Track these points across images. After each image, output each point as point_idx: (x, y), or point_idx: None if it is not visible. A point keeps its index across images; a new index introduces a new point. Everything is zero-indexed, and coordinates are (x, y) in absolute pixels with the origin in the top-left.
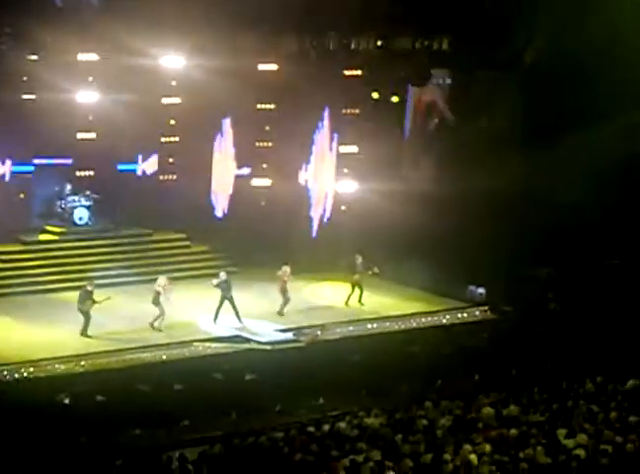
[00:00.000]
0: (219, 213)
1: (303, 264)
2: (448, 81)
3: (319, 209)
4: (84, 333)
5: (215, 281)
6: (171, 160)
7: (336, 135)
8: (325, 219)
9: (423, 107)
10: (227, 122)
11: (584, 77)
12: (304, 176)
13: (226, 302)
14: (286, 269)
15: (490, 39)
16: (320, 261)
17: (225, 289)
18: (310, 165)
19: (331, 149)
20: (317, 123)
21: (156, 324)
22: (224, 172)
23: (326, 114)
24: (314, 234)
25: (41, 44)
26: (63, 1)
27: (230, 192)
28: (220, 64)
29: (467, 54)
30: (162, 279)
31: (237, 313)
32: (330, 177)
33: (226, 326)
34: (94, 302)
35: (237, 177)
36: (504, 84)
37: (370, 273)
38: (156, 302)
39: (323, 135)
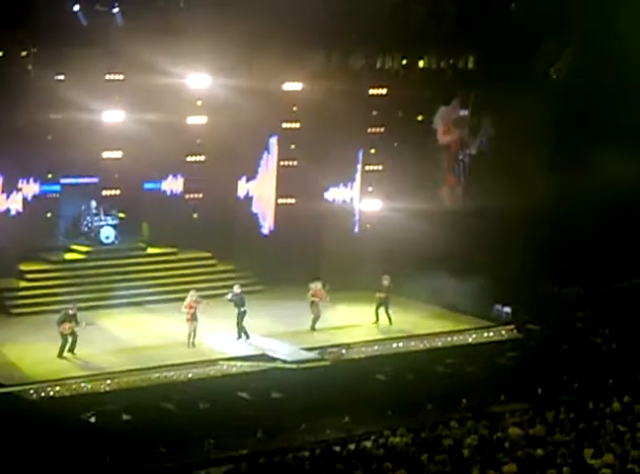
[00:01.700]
0: (266, 231)
1: (330, 282)
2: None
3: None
4: (61, 354)
5: (230, 296)
6: (196, 179)
7: (360, 153)
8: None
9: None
10: (274, 141)
11: (612, 92)
12: (347, 194)
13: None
14: (317, 284)
15: (516, 56)
16: (347, 279)
17: (239, 304)
18: (355, 182)
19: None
20: (341, 142)
21: (188, 341)
22: (268, 190)
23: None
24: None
25: (68, 64)
26: (88, 20)
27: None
28: (245, 83)
29: (493, 72)
30: (189, 295)
31: (242, 329)
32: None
33: (251, 343)
34: (77, 324)
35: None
36: (531, 101)
37: (386, 296)
38: (187, 320)
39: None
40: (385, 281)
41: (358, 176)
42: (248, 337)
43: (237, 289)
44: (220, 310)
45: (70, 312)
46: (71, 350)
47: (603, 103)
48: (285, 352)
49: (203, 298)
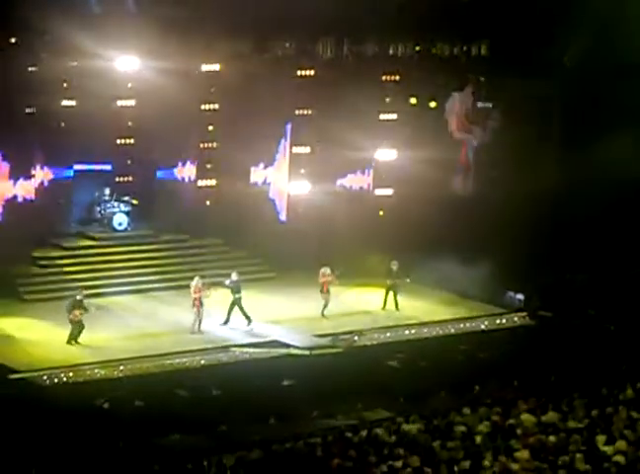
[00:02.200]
0: (283, 217)
1: (341, 269)
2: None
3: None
4: (70, 341)
5: (227, 282)
6: (209, 166)
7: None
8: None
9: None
10: (289, 127)
11: (625, 81)
12: (364, 181)
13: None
14: (326, 269)
15: (529, 43)
16: (358, 266)
17: (235, 290)
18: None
19: None
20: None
21: (195, 328)
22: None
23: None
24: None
25: (81, 51)
26: (101, 7)
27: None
28: (256, 69)
29: (506, 59)
30: (195, 281)
31: (230, 315)
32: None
33: (264, 327)
34: (85, 311)
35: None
36: (542, 88)
37: (408, 280)
38: (193, 305)
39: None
40: (394, 267)
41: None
42: (250, 321)
43: (235, 276)
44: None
45: (78, 298)
46: (75, 338)
47: (615, 90)
48: (298, 338)
49: (212, 285)
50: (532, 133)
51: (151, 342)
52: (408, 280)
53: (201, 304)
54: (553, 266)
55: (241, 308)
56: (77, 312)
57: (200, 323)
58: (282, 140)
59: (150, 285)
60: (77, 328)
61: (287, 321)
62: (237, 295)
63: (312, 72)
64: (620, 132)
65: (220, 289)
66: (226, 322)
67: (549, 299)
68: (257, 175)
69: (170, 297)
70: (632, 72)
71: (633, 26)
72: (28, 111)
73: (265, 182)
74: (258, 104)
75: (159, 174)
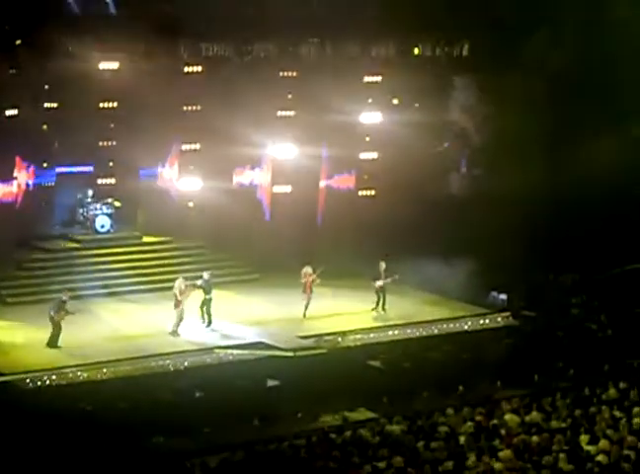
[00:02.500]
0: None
1: (322, 268)
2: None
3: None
4: (52, 344)
5: (199, 282)
6: (192, 167)
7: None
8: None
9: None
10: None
11: (609, 80)
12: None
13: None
14: (307, 269)
15: (511, 43)
16: (343, 266)
17: (207, 290)
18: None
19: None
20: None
21: (174, 329)
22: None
23: None
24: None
25: (62, 53)
26: (80, 8)
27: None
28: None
29: (489, 60)
30: (178, 282)
31: (210, 316)
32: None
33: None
34: (67, 313)
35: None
36: (525, 88)
37: (390, 280)
38: (175, 306)
39: None
40: (381, 268)
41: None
42: (210, 324)
43: (207, 276)
44: (216, 299)
45: (64, 298)
46: (57, 341)
47: (598, 89)
48: (282, 339)
49: (194, 286)
50: (518, 133)
51: (134, 344)
52: (397, 277)
53: (180, 306)
54: (537, 266)
55: (208, 309)
56: (62, 313)
57: (179, 324)
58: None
59: (133, 287)
60: (58, 330)
61: (271, 322)
62: (208, 296)
63: (295, 73)
64: (607, 131)
65: (219, 291)
66: (209, 323)
67: (533, 299)
68: (243, 176)
69: (153, 299)
70: (618, 69)
71: (615, 26)
72: (9, 113)
73: (251, 183)
74: (239, 106)
75: (141, 176)
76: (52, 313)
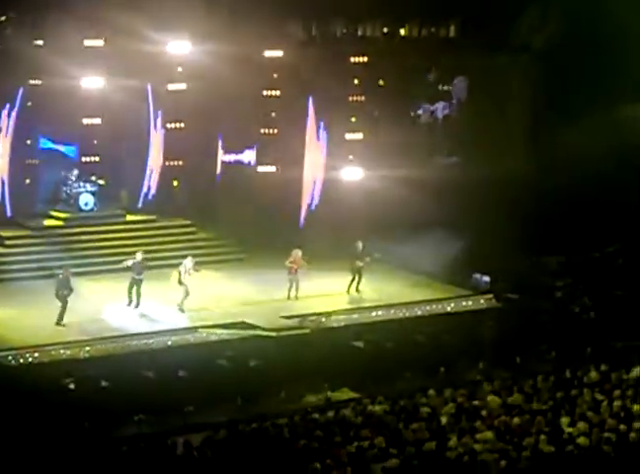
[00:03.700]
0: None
1: (310, 251)
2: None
3: (307, 197)
4: (59, 321)
5: (130, 262)
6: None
7: (322, 123)
8: (312, 207)
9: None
10: None
11: (596, 60)
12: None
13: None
14: (297, 252)
15: (498, 24)
16: (326, 248)
17: (138, 271)
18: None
19: (319, 137)
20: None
21: (180, 304)
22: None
23: (310, 102)
24: (301, 223)
25: (47, 30)
26: None
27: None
28: (224, 49)
29: (475, 40)
30: (187, 261)
31: (139, 297)
32: (319, 165)
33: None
34: (70, 291)
35: (241, 164)
36: (512, 70)
37: (369, 259)
38: (180, 283)
39: (310, 123)
40: (359, 248)
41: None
42: (138, 305)
43: (139, 257)
44: (201, 278)
45: (64, 275)
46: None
47: (585, 71)
48: (265, 319)
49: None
50: (502, 116)
51: (117, 322)
52: (369, 259)
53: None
54: (520, 248)
55: (138, 290)
56: (67, 290)
57: (184, 299)
58: None
59: (116, 266)
60: (64, 307)
61: (255, 303)
62: (138, 276)
63: (280, 54)
64: (591, 114)
65: (204, 271)
66: (130, 303)
67: (516, 282)
68: (234, 156)
69: None
70: (603, 53)
71: (604, 10)
72: None
73: (250, 163)
74: (224, 85)
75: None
76: (65, 290)
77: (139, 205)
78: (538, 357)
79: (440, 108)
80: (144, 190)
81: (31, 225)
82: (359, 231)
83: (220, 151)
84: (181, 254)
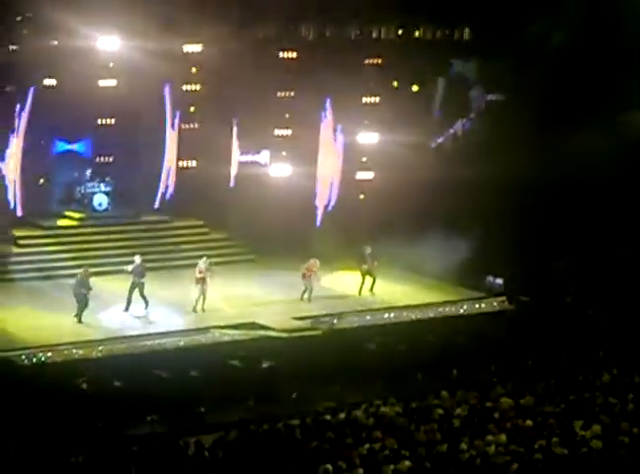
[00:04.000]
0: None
1: (321, 252)
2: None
3: (324, 199)
4: (79, 319)
5: (130, 267)
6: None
7: (339, 126)
8: (329, 208)
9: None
10: None
11: (606, 64)
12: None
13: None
14: (316, 261)
15: (511, 28)
16: (338, 249)
17: (139, 274)
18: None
19: (335, 139)
20: (336, 111)
21: (198, 307)
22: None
23: (328, 103)
24: (318, 223)
25: (61, 29)
26: None
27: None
28: (236, 50)
29: (489, 43)
30: (201, 262)
31: (145, 299)
32: (336, 166)
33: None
34: (89, 289)
35: (254, 165)
36: (524, 73)
37: (376, 263)
38: (196, 283)
39: (327, 124)
40: (367, 251)
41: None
42: (147, 306)
43: (138, 260)
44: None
45: (83, 275)
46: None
47: (594, 77)
48: (277, 320)
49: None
50: (514, 118)
51: (130, 322)
52: (376, 263)
53: (205, 282)
54: (533, 251)
55: (142, 292)
56: (86, 289)
57: (203, 302)
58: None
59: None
60: (84, 305)
61: (268, 303)
62: (141, 280)
63: (294, 54)
64: (600, 118)
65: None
66: (146, 306)
67: (529, 284)
68: (246, 157)
69: (149, 278)
70: (613, 57)
71: (616, 15)
72: (8, 89)
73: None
74: (239, 86)
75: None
76: (81, 288)
77: (156, 206)
78: (551, 360)
79: (460, 126)
80: (162, 189)
81: (44, 225)
82: (369, 233)
83: (235, 152)
84: (193, 254)
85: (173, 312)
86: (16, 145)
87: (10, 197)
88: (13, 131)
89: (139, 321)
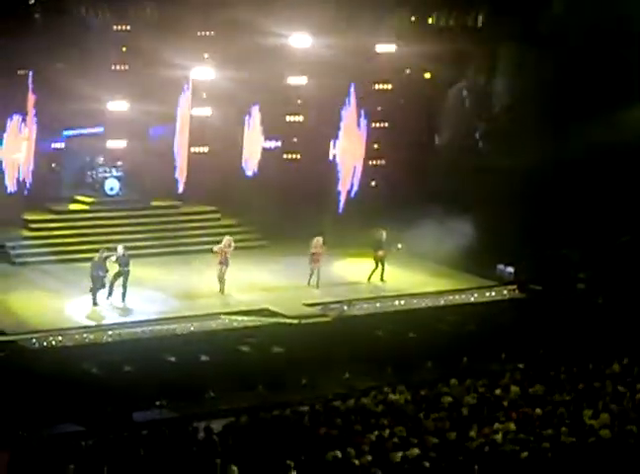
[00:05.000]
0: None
1: (332, 239)
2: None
3: (347, 185)
4: (94, 302)
5: (114, 258)
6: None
7: (362, 111)
8: (352, 195)
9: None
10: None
11: (622, 55)
12: (332, 151)
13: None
14: (319, 239)
15: (525, 15)
16: (349, 236)
17: (124, 264)
18: (338, 141)
19: (359, 125)
20: (345, 98)
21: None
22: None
23: (352, 90)
24: (341, 209)
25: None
26: None
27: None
28: (247, 38)
29: (502, 30)
30: (225, 241)
31: (125, 290)
32: (358, 153)
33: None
34: (107, 271)
35: (267, 150)
36: (538, 61)
37: (395, 249)
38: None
39: (350, 111)
40: (382, 237)
41: (361, 133)
42: (125, 297)
43: (121, 250)
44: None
45: (104, 256)
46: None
47: (610, 67)
48: (287, 307)
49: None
50: (527, 106)
51: (140, 307)
52: (399, 246)
53: (226, 263)
54: (545, 239)
55: (125, 282)
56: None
57: (223, 283)
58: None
59: (141, 251)
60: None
61: (278, 289)
62: (126, 268)
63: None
64: (614, 106)
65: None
66: (124, 297)
67: (540, 273)
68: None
69: (161, 263)
70: (630, 48)
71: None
72: (20, 73)
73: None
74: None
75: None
76: (94, 272)
77: (180, 191)
78: (561, 349)
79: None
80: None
81: (56, 209)
82: (382, 220)
83: (258, 138)
84: (204, 240)
85: (182, 297)
86: (28, 129)
87: (7, 181)
88: (25, 115)
89: (149, 306)
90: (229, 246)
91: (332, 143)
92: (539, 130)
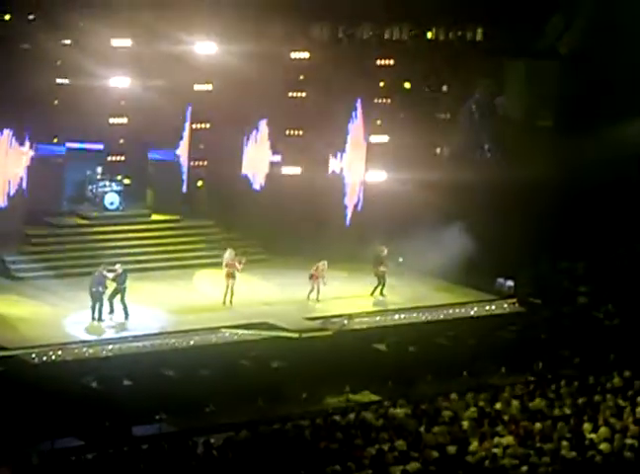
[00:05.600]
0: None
1: (332, 253)
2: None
3: (353, 198)
4: (100, 318)
5: (111, 275)
6: (201, 147)
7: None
8: (359, 208)
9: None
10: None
11: (622, 66)
12: (338, 165)
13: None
14: (324, 263)
15: (524, 29)
16: (349, 250)
17: (121, 282)
18: (345, 154)
19: (365, 139)
20: (348, 112)
21: (224, 299)
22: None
23: (359, 104)
24: (347, 223)
25: (74, 29)
26: None
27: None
28: (251, 50)
29: (502, 44)
30: (227, 253)
31: (125, 306)
32: (362, 166)
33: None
34: (106, 287)
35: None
36: (537, 75)
37: (396, 263)
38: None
39: (357, 125)
40: (383, 253)
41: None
42: (127, 315)
43: (119, 269)
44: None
45: (104, 273)
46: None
47: (609, 79)
48: (288, 321)
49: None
50: (527, 120)
51: (139, 321)
52: (401, 260)
53: (233, 277)
54: (544, 253)
55: (123, 299)
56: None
57: (231, 296)
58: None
59: (141, 265)
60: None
61: (278, 303)
62: (122, 286)
63: (307, 55)
64: (617, 118)
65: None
66: (126, 315)
67: (539, 287)
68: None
69: (160, 277)
70: (629, 59)
71: (630, 14)
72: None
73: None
74: (251, 86)
75: (152, 154)
76: (93, 288)
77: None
78: (561, 363)
79: (486, 148)
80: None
81: (56, 223)
82: (381, 234)
83: (266, 153)
84: (204, 254)
85: (184, 311)
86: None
87: None
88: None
89: (148, 321)
90: (240, 262)
91: (337, 156)
92: (539, 143)
